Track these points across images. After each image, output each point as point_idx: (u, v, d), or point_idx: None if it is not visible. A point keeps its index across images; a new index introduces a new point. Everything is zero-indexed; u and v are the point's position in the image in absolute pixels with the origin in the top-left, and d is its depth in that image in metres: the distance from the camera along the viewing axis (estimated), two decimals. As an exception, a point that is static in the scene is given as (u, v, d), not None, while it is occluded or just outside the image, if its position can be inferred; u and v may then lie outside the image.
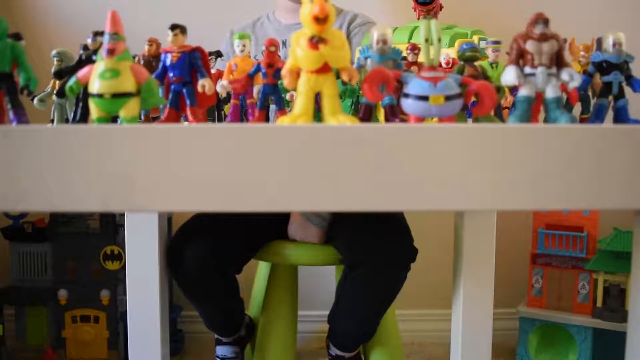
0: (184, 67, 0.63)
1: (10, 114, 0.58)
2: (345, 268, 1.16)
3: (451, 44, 0.96)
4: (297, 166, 0.50)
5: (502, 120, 0.72)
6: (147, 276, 0.92)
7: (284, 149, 0.50)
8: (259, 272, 1.45)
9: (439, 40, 0.56)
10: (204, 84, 0.62)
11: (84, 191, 0.50)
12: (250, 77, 0.64)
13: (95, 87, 0.56)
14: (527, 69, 0.57)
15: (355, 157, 0.50)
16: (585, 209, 1.41)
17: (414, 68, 0.71)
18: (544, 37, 0.56)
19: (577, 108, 0.73)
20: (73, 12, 1.67)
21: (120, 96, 0.56)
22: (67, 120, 0.79)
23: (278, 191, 0.50)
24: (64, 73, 0.77)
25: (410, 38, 1.06)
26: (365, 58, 0.62)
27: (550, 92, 0.56)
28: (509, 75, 0.57)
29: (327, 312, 1.24)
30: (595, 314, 1.41)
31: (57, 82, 0.78)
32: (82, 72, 0.58)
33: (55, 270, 1.50)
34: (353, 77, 0.56)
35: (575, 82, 0.56)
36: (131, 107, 0.56)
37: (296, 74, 0.56)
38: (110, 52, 0.56)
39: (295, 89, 0.57)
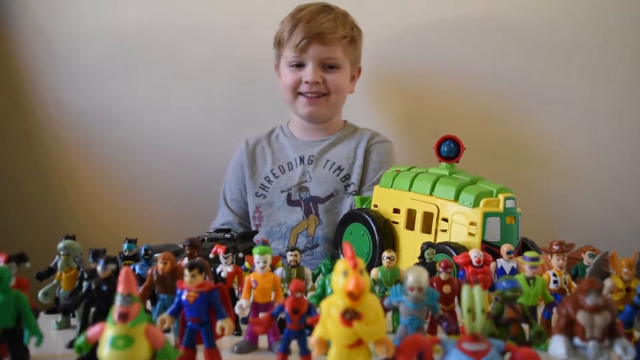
0: (202, 308, 0.58)
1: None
2: None
3: (476, 204, 0.92)
4: None
5: None
6: None
7: None
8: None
9: (483, 310, 0.51)
10: (223, 326, 0.58)
11: None
12: (274, 317, 0.59)
13: (105, 353, 0.51)
14: (577, 341, 0.52)
15: None
16: None
17: (446, 287, 0.67)
18: (596, 309, 0.52)
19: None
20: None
21: (133, 366, 0.50)
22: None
23: None
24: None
25: (410, 186, 1.01)
26: (398, 302, 0.58)
27: (602, 366, 0.52)
28: (558, 349, 0.52)
29: None
30: None
31: (64, 274, 0.74)
32: (92, 331, 0.53)
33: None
34: (389, 349, 0.51)
35: (629, 357, 0.52)
36: (145, 376, 0.51)
37: (325, 344, 0.51)
38: (123, 316, 0.50)
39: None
